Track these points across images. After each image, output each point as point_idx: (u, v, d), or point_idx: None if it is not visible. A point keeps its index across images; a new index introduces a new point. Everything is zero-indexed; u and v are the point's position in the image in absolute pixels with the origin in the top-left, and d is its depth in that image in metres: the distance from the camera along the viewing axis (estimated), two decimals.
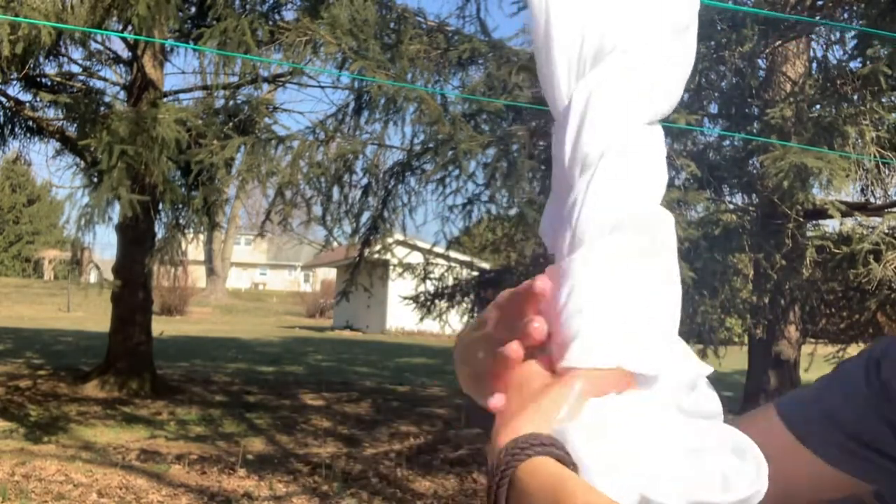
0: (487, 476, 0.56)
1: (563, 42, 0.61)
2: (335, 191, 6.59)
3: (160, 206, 8.76)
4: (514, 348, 0.58)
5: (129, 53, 10.20)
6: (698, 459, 0.52)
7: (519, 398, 0.59)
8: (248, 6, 6.69)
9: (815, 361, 6.88)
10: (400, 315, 22.49)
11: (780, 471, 0.78)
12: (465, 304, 7.70)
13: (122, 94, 10.70)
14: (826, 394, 0.79)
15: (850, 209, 6.01)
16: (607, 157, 0.58)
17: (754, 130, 6.10)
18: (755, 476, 0.52)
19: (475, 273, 8.01)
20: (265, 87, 11.15)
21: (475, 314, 7.52)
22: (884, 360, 0.76)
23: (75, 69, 10.59)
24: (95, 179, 6.84)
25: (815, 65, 6.69)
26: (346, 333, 25.87)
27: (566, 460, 0.54)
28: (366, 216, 6.98)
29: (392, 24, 6.31)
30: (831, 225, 7.00)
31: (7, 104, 10.29)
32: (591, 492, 0.52)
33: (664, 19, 0.60)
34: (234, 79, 9.43)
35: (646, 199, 0.58)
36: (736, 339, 9.44)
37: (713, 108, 6.89)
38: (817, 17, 5.97)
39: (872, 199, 6.67)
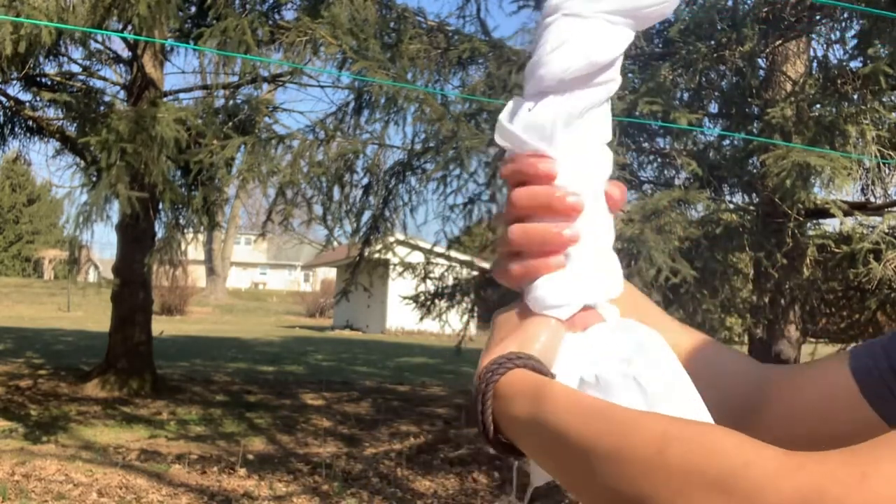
0: (472, 395, 0.63)
1: None
2: (336, 190, 6.59)
3: (160, 206, 8.75)
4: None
5: (129, 53, 10.19)
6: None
7: (500, 332, 0.68)
8: (248, 6, 6.68)
9: None
10: (400, 315, 22.49)
11: (838, 417, 0.72)
12: (465, 304, 7.68)
13: (122, 94, 10.71)
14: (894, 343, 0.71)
15: (850, 208, 6.00)
16: None
17: (755, 130, 6.09)
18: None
19: (475, 272, 7.99)
20: (265, 86, 11.15)
21: (475, 314, 7.51)
22: None
23: (75, 69, 10.58)
24: (94, 178, 6.83)
25: (815, 64, 6.68)
26: (346, 333, 25.87)
27: (542, 370, 0.62)
28: (366, 215, 6.97)
29: (392, 24, 6.30)
30: (832, 224, 6.99)
31: (7, 104, 10.28)
32: (567, 389, 0.60)
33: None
34: (234, 78, 9.43)
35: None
36: (736, 339, 9.43)
37: (713, 108, 6.89)
38: (817, 17, 5.97)
39: (873, 199, 6.66)
